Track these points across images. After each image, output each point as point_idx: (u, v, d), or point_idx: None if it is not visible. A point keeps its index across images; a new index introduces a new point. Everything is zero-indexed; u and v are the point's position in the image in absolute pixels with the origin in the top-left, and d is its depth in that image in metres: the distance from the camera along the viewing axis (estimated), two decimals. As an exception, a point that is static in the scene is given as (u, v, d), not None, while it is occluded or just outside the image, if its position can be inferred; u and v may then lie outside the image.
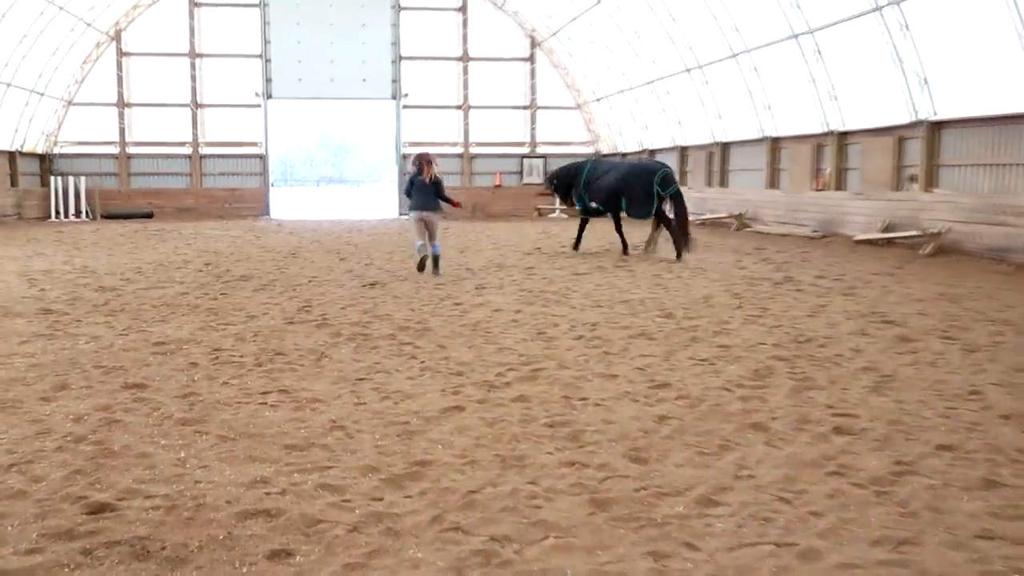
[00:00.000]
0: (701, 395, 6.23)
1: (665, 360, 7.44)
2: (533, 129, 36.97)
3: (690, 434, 5.31)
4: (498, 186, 36.57)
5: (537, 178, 36.10)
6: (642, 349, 7.94)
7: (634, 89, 32.20)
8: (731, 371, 7.00)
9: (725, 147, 27.88)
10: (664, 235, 18.02)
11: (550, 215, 35.16)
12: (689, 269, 14.65)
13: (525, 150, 36.79)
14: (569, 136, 37.18)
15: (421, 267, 13.91)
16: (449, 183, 33.21)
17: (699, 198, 28.76)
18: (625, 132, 34.55)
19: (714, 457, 4.89)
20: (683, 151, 30.55)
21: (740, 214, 25.45)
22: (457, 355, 7.71)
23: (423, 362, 7.42)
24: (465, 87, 36.35)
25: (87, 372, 7.04)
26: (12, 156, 31.60)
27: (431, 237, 13.81)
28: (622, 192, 17.16)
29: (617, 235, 18.12)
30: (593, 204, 17.74)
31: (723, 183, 28.03)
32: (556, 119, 37.05)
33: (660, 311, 10.16)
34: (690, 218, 17.61)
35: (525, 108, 36.88)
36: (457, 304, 10.81)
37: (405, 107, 36.07)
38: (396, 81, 35.95)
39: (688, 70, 27.99)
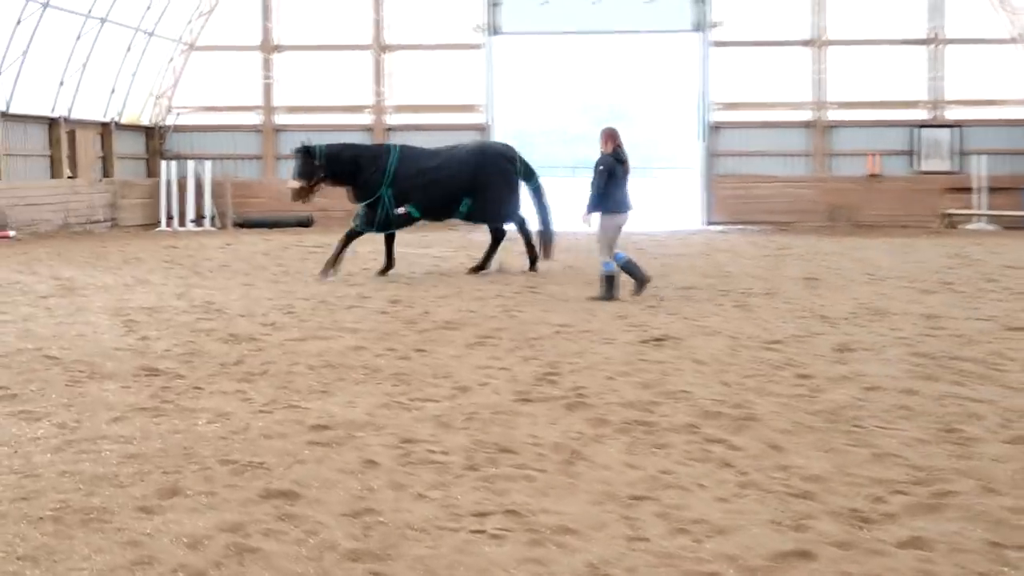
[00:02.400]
0: None
1: None
2: (936, 79, 36.05)
3: None
4: (874, 175, 35.94)
5: (941, 163, 35.13)
6: None
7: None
8: None
9: None
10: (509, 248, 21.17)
11: (966, 225, 34.12)
12: None
13: (922, 115, 35.99)
14: (1001, 90, 35.86)
15: (614, 292, 16.55)
16: (792, 169, 33.36)
17: None
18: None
19: None
20: None
21: None
22: (803, 464, 7.64)
23: (744, 473, 7.41)
24: (815, 10, 36.11)
25: (209, 470, 7.45)
26: (106, 130, 34.07)
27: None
28: (475, 189, 19.58)
29: (386, 250, 20.76)
30: (401, 209, 19.99)
31: None
32: (975, 61, 35.89)
33: None
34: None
35: (921, 43, 36.12)
36: (803, 376, 10.72)
37: (716, 44, 36.36)
38: (702, 2, 36.25)
39: None
